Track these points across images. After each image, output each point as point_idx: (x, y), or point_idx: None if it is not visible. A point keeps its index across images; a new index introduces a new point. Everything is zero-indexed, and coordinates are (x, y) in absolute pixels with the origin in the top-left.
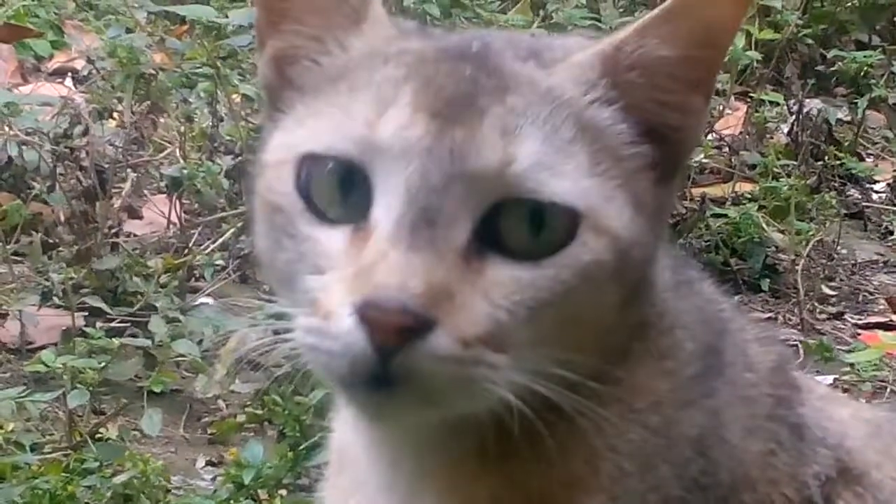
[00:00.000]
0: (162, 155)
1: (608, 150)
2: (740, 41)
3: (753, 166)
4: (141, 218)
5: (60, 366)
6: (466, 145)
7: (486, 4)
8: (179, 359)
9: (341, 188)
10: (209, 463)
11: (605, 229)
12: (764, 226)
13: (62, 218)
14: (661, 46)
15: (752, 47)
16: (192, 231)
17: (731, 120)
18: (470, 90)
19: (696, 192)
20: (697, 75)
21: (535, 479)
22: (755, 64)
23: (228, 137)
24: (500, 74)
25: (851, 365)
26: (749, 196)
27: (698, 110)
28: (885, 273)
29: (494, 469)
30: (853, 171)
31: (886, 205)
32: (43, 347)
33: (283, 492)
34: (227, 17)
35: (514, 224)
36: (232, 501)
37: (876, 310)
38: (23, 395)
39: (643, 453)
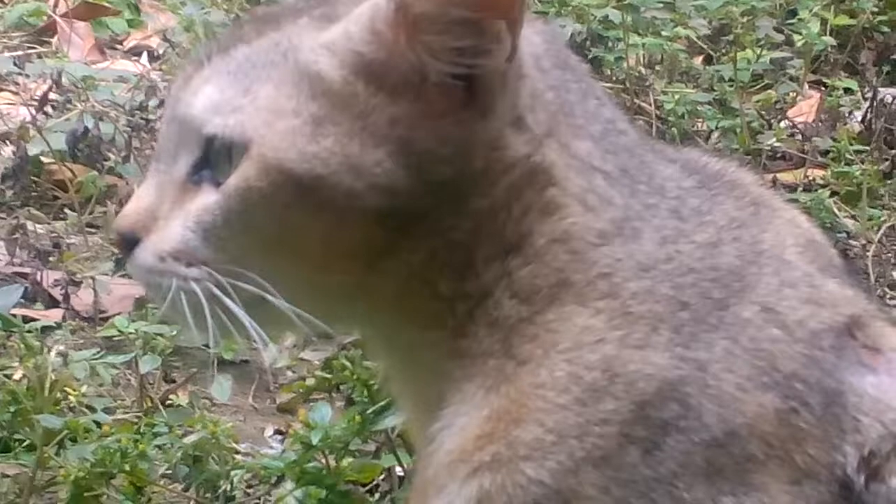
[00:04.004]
0: None
1: (321, 94)
2: (815, 26)
3: (826, 153)
4: None
5: (133, 331)
6: (181, 93)
7: None
8: None
9: None
10: (277, 432)
11: (268, 160)
12: (836, 211)
13: (136, 189)
14: None
15: (828, 33)
16: None
17: (804, 107)
18: (225, 44)
19: (768, 177)
20: None
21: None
22: (829, 50)
23: None
24: (253, 27)
25: None
26: (821, 182)
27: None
28: None
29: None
30: None
31: None
32: (116, 315)
33: (350, 459)
34: None
35: (214, 157)
36: (300, 462)
37: None
38: (95, 357)
39: (578, 388)
